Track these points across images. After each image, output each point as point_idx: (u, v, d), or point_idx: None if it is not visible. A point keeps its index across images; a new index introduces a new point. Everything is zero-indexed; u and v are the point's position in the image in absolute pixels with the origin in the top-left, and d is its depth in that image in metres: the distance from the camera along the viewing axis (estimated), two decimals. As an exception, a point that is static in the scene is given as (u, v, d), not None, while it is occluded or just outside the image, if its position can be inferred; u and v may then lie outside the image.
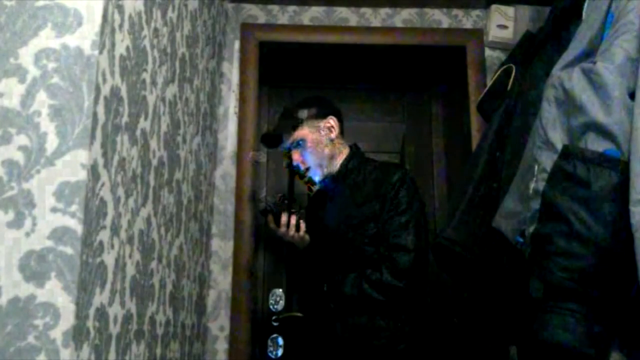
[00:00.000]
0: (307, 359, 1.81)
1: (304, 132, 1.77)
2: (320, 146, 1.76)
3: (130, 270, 1.04)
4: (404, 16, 2.29)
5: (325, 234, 1.75)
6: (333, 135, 1.78)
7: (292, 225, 1.73)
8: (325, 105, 1.83)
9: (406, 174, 1.72)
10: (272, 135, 1.86)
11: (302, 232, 1.75)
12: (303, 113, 1.79)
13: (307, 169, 1.77)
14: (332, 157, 1.78)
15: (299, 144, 1.77)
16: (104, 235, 0.89)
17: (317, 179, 1.79)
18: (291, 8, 2.27)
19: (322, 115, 1.79)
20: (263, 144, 1.90)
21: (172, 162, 1.37)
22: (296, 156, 1.78)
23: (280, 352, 2.09)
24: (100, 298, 0.87)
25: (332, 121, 1.79)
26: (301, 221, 1.76)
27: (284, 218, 1.73)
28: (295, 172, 1.81)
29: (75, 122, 0.82)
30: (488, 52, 2.23)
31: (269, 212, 1.77)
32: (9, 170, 0.80)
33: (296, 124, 1.78)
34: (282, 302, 2.17)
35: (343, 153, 1.80)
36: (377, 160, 1.83)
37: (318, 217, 1.82)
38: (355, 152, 1.81)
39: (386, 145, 2.45)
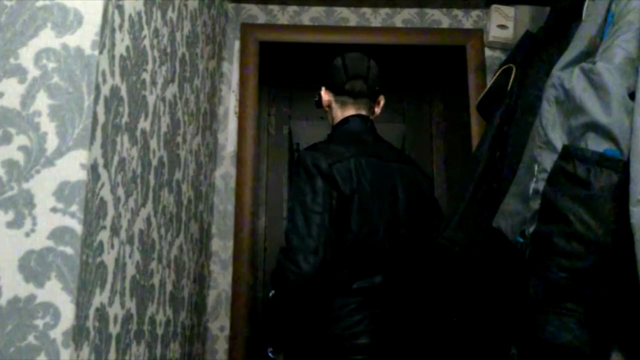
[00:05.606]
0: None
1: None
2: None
3: (130, 270, 1.04)
4: (404, 16, 2.29)
5: None
6: (323, 104, 1.71)
7: None
8: (322, 76, 1.74)
9: (299, 154, 1.59)
10: None
11: None
12: None
13: None
14: (331, 124, 1.71)
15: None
16: (104, 235, 0.89)
17: None
18: (291, 8, 2.27)
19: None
20: None
21: (172, 162, 1.37)
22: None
23: (280, 352, 2.09)
24: (100, 298, 0.87)
25: (321, 92, 1.71)
26: None
27: None
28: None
29: (75, 122, 0.82)
30: (488, 52, 2.23)
31: None
32: (9, 170, 0.80)
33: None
34: (282, 302, 2.17)
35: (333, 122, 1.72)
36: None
37: None
38: (336, 128, 1.69)
39: (386, 145, 2.45)
